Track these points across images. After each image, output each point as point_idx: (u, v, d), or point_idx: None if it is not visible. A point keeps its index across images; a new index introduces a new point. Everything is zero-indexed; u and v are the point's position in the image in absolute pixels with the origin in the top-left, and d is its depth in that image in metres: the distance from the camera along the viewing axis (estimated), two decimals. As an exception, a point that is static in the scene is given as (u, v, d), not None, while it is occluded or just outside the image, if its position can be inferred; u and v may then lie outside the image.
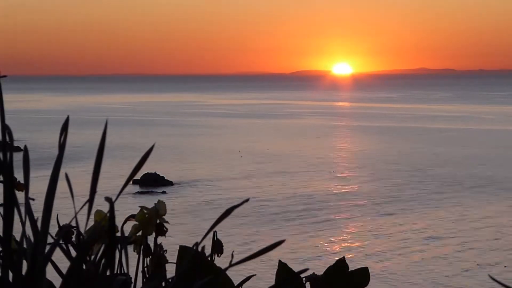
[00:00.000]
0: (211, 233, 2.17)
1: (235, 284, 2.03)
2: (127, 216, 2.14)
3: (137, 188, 32.53)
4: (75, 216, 1.84)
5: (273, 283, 2.09)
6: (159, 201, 2.19)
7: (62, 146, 1.74)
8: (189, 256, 1.99)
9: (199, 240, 1.91)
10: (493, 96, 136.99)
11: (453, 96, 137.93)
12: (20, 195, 1.78)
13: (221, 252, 2.21)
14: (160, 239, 2.19)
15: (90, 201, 1.73)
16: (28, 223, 1.72)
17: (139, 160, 1.82)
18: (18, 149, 2.23)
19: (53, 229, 1.82)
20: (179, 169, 38.30)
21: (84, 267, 1.72)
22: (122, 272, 1.98)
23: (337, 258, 2.30)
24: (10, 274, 1.69)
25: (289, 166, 39.97)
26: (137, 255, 2.15)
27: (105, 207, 1.79)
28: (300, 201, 29.87)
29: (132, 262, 2.01)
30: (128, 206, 23.85)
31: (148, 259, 2.14)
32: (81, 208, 1.78)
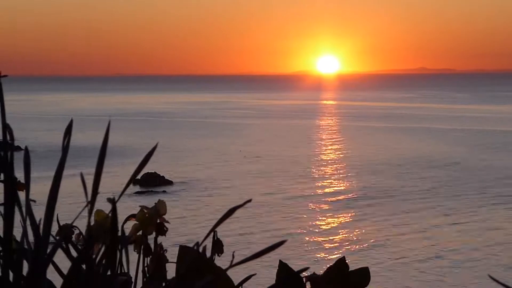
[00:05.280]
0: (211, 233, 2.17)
1: (235, 284, 2.03)
2: (127, 216, 2.14)
3: (137, 188, 32.53)
4: (77, 216, 1.85)
5: (273, 283, 2.09)
6: (159, 200, 2.19)
7: (65, 148, 1.74)
8: (190, 256, 1.99)
9: (199, 239, 1.91)
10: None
11: (473, 97, 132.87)
12: (20, 195, 1.79)
13: (222, 252, 2.21)
14: (160, 239, 2.19)
15: (92, 201, 1.74)
16: (28, 223, 1.73)
17: (141, 161, 1.82)
18: (18, 148, 2.23)
19: (53, 230, 1.82)
20: (179, 169, 38.29)
21: (84, 267, 1.72)
22: (123, 271, 1.98)
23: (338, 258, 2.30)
24: (11, 274, 1.69)
25: (295, 166, 39.95)
26: (137, 255, 2.15)
27: (106, 207, 1.79)
28: (303, 201, 29.86)
29: (132, 262, 2.01)
30: (128, 206, 23.86)
31: (148, 258, 2.14)
32: (84, 208, 1.78)
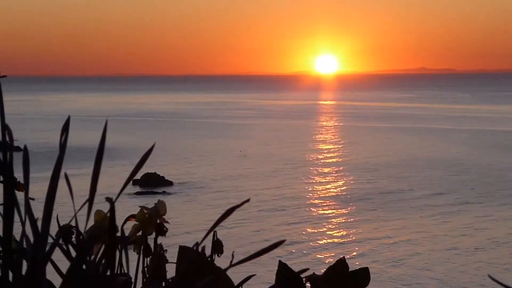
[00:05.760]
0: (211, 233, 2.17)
1: (235, 284, 2.03)
2: (127, 216, 2.14)
3: (137, 188, 32.53)
4: (75, 216, 1.84)
5: (273, 283, 2.09)
6: (159, 201, 2.19)
7: (62, 146, 1.74)
8: (189, 256, 1.99)
9: (199, 239, 1.91)
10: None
11: (474, 97, 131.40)
12: (20, 195, 1.79)
13: (221, 252, 2.20)
14: (160, 239, 2.18)
15: (90, 200, 1.73)
16: (28, 223, 1.72)
17: (139, 160, 1.82)
18: (18, 149, 2.23)
19: (53, 229, 1.82)
20: (179, 169, 38.30)
21: (84, 267, 1.72)
22: (122, 272, 1.98)
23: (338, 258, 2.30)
24: (10, 274, 1.69)
25: (295, 166, 39.93)
26: (137, 255, 2.15)
27: (106, 207, 1.79)
28: (303, 201, 29.85)
29: (132, 262, 2.01)
30: (128, 206, 23.91)
31: (148, 259, 2.14)
32: (80, 208, 1.78)
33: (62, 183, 1.76)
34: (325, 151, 48.05)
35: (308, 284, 2.14)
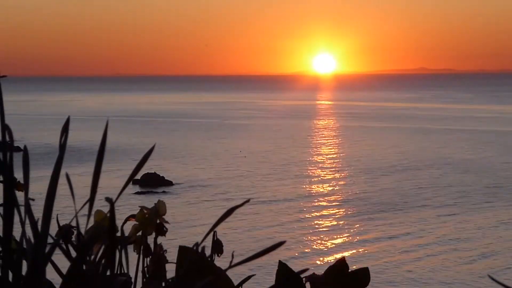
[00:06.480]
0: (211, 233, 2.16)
1: (235, 284, 2.03)
2: (127, 216, 2.14)
3: (137, 188, 32.53)
4: (76, 216, 1.84)
5: (273, 283, 2.09)
6: (159, 201, 2.19)
7: (62, 147, 1.74)
8: (189, 256, 1.99)
9: (199, 239, 1.91)
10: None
11: (475, 97, 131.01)
12: (20, 195, 1.78)
13: (221, 252, 2.20)
14: (160, 239, 2.19)
15: (91, 200, 1.73)
16: (28, 223, 1.72)
17: (139, 161, 1.82)
18: (18, 149, 2.24)
19: (53, 230, 1.82)
20: (179, 169, 38.29)
21: (84, 267, 1.72)
22: (122, 272, 1.98)
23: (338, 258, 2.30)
24: (10, 274, 1.69)
25: (296, 167, 39.93)
26: (137, 255, 2.15)
27: (106, 207, 1.79)
28: (304, 202, 29.84)
29: (132, 262, 2.01)
30: (128, 206, 23.89)
31: (148, 259, 2.14)
32: (81, 208, 1.78)
33: (62, 183, 1.76)
34: (326, 152, 48.05)
35: (308, 284, 2.14)
